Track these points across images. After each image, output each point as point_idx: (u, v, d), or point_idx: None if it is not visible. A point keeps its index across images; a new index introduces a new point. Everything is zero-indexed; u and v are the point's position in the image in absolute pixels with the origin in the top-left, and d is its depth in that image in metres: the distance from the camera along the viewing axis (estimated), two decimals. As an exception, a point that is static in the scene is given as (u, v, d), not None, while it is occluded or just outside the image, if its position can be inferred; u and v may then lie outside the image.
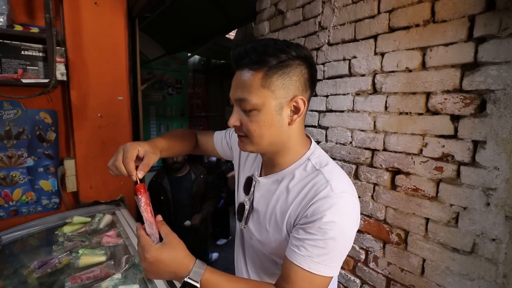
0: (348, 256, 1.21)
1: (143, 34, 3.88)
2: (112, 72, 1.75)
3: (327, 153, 0.78)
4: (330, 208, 0.59)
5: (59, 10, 1.61)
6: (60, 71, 1.51)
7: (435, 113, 0.94)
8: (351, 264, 1.25)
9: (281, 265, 0.65)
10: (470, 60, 0.85)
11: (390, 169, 1.08)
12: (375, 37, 1.10)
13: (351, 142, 1.21)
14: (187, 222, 2.20)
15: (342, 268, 1.14)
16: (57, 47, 1.48)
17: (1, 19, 1.35)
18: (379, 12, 1.08)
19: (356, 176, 1.20)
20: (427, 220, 0.97)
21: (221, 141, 0.97)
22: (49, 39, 1.44)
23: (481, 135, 0.83)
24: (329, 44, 1.29)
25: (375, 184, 1.13)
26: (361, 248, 1.21)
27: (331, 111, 1.30)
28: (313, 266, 0.59)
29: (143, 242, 0.59)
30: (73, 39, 1.61)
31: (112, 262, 1.14)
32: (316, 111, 1.37)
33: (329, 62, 1.29)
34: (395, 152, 1.05)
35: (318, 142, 1.34)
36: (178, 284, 0.95)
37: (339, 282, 1.29)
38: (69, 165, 1.68)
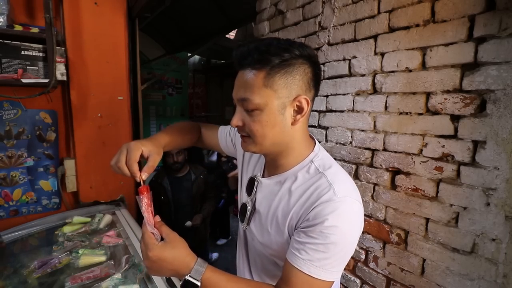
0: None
1: (143, 34, 3.88)
2: (112, 72, 1.75)
3: (327, 153, 0.78)
4: (332, 212, 0.58)
5: (59, 10, 1.61)
6: (60, 71, 1.52)
7: (435, 113, 0.94)
8: (351, 264, 1.25)
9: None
10: (470, 60, 0.85)
11: (390, 169, 1.08)
12: (375, 37, 1.10)
13: (351, 142, 1.21)
14: (188, 223, 2.19)
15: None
16: (57, 47, 1.49)
17: (1, 19, 1.35)
18: (379, 12, 1.08)
19: (356, 176, 1.20)
20: (427, 220, 0.97)
21: (225, 137, 0.96)
22: (49, 39, 1.44)
23: (481, 135, 0.83)
24: (329, 44, 1.29)
25: (375, 184, 1.13)
26: (361, 248, 1.21)
27: (331, 111, 1.30)
28: (314, 270, 0.59)
29: (147, 239, 0.59)
30: (73, 39, 1.61)
31: (112, 262, 1.14)
32: (316, 111, 1.37)
33: (329, 62, 1.29)
34: (395, 152, 1.05)
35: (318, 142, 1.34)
36: (179, 282, 0.96)
37: (339, 282, 1.29)
38: (69, 165, 1.68)
